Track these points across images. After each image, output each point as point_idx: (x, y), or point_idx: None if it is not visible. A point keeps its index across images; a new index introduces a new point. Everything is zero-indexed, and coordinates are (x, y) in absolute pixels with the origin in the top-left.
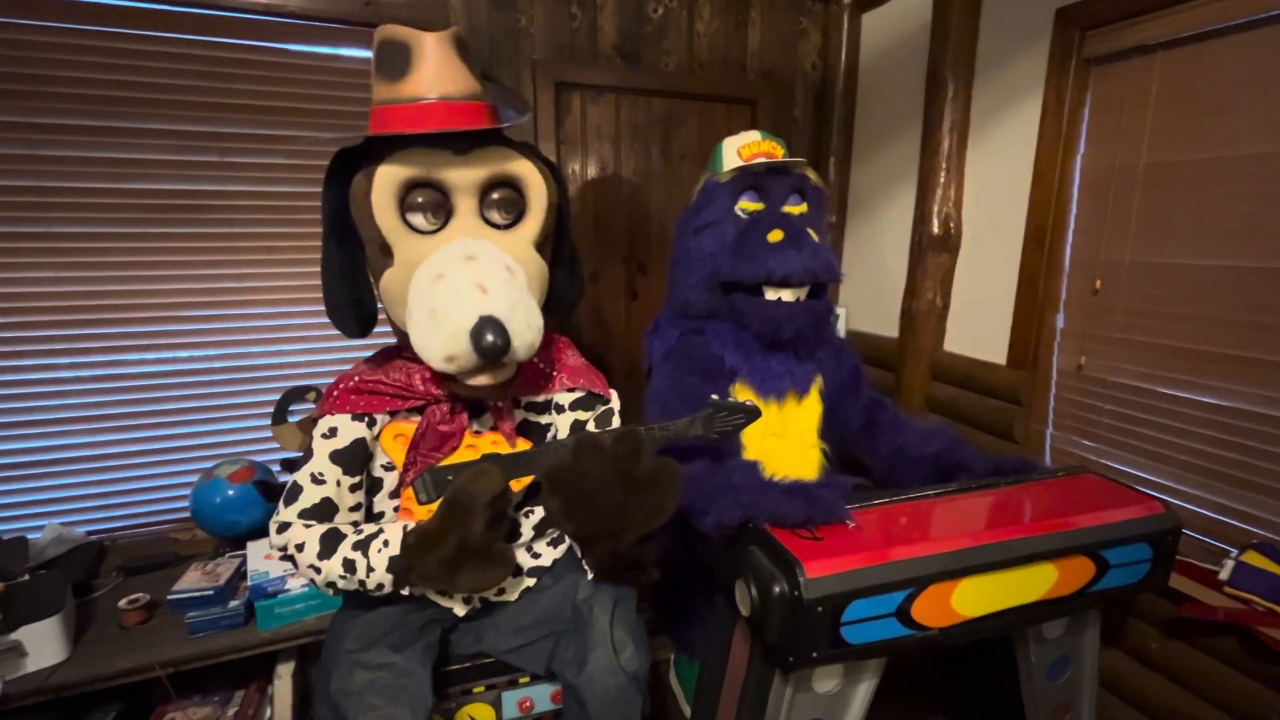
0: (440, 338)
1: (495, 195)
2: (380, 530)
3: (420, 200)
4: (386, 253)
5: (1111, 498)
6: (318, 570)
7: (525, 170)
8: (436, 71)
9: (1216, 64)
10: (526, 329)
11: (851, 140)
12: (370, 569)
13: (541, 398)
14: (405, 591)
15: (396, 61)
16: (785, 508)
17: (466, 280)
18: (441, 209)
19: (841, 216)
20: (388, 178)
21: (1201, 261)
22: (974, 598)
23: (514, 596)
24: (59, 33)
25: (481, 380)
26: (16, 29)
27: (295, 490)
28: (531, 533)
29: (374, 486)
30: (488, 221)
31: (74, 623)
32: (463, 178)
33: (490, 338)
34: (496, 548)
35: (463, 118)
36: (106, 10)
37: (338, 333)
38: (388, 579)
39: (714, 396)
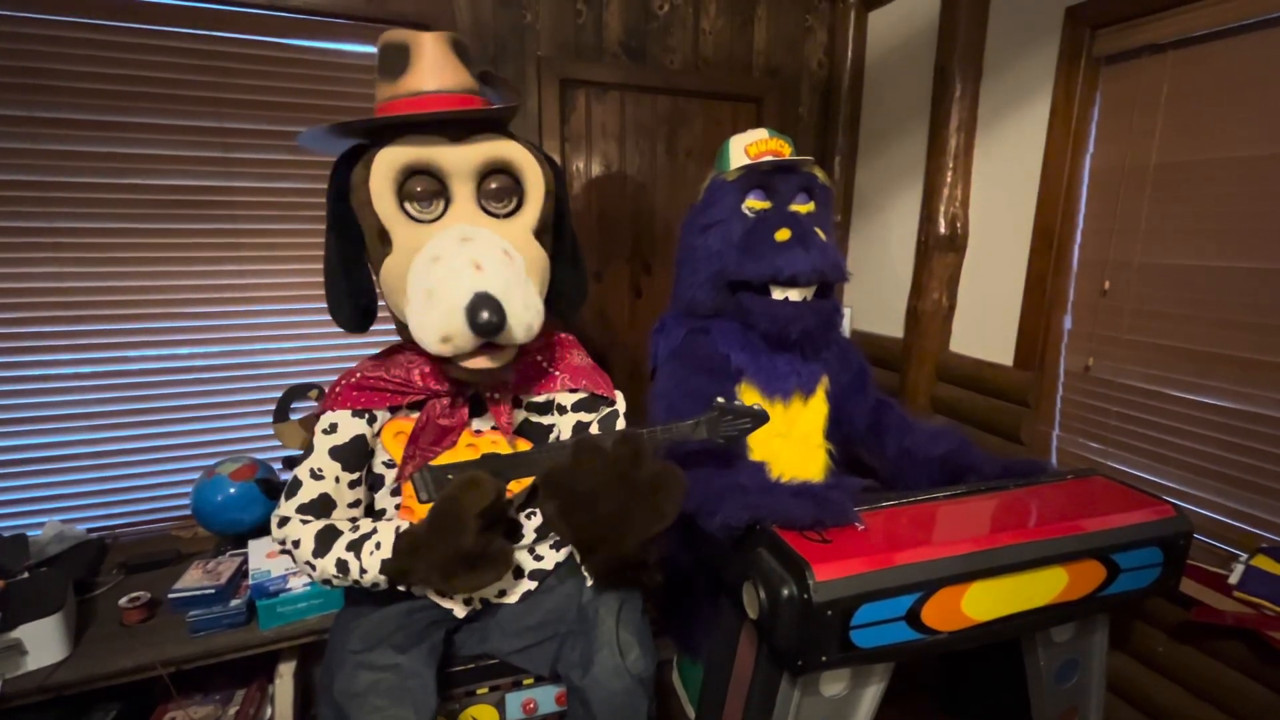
0: (436, 316)
1: (492, 182)
2: (375, 530)
3: (418, 188)
4: (385, 240)
5: (1122, 501)
6: (313, 567)
7: (520, 156)
8: (433, 67)
9: (1229, 63)
10: (524, 309)
11: (857, 139)
12: (363, 570)
13: (542, 397)
14: (403, 588)
15: (397, 61)
16: (794, 509)
17: (462, 259)
18: (439, 197)
19: (846, 216)
20: (384, 163)
21: (1212, 263)
22: (984, 602)
23: (514, 598)
24: (62, 26)
25: (478, 363)
26: (20, 22)
27: (295, 485)
28: (534, 535)
29: (376, 483)
30: (486, 211)
31: (75, 621)
32: (458, 163)
33: (485, 314)
34: (494, 548)
35: (458, 104)
36: (110, 4)
37: (340, 330)
38: (382, 579)
39: (719, 399)
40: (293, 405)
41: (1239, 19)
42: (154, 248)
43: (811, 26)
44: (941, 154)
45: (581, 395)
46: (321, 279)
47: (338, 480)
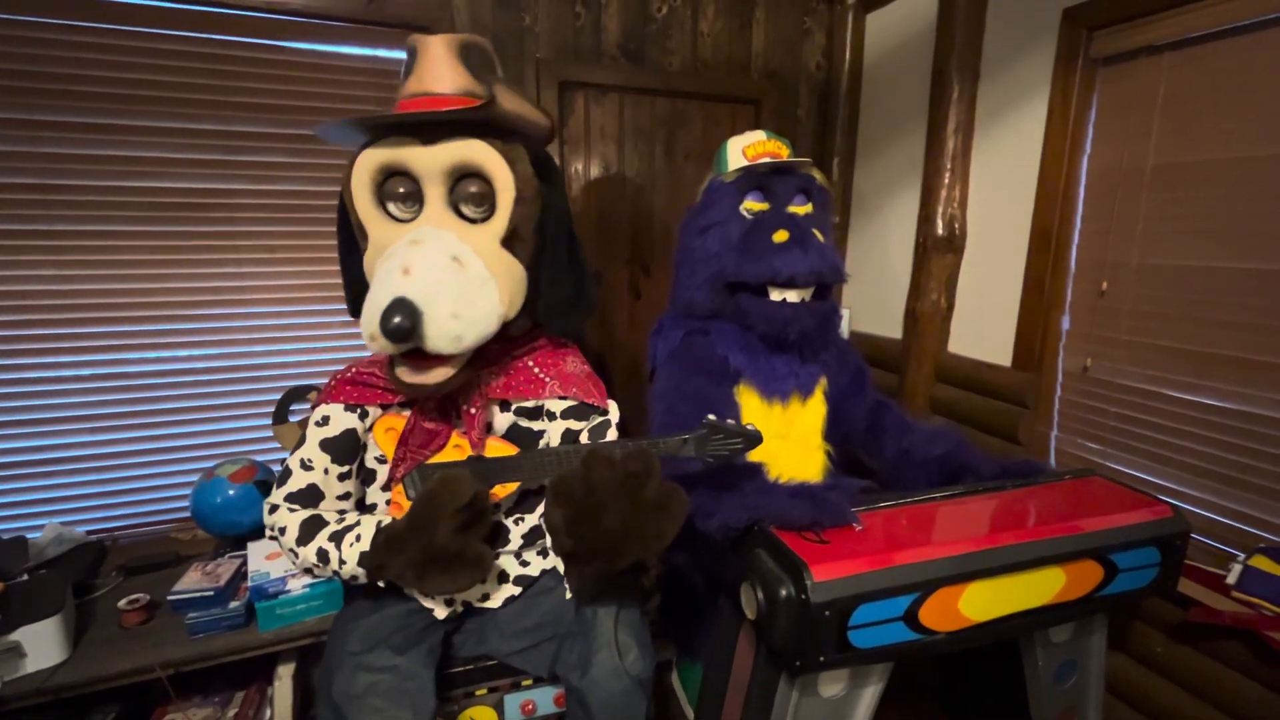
0: (366, 315)
1: (463, 185)
2: (358, 523)
3: (395, 188)
4: (364, 236)
5: (1119, 501)
6: (295, 555)
7: (489, 160)
8: (430, 70)
9: (1226, 65)
10: (451, 318)
11: (855, 140)
12: (342, 561)
13: (531, 403)
14: (381, 584)
15: (408, 64)
16: (792, 510)
17: (396, 261)
18: (414, 198)
19: (845, 217)
20: (362, 163)
21: (1209, 264)
22: (982, 602)
23: (497, 603)
24: (63, 29)
25: (404, 374)
26: (20, 25)
27: (286, 474)
28: (521, 541)
29: (368, 478)
30: (461, 215)
31: (74, 623)
32: (427, 164)
33: (397, 319)
34: (470, 551)
35: (443, 106)
36: (111, 7)
37: (339, 332)
38: (360, 572)
39: (710, 417)
40: (292, 407)
41: (1235, 20)
42: (154, 250)
43: (810, 28)
44: (939, 155)
45: (571, 403)
46: (321, 280)
47: (326, 472)
